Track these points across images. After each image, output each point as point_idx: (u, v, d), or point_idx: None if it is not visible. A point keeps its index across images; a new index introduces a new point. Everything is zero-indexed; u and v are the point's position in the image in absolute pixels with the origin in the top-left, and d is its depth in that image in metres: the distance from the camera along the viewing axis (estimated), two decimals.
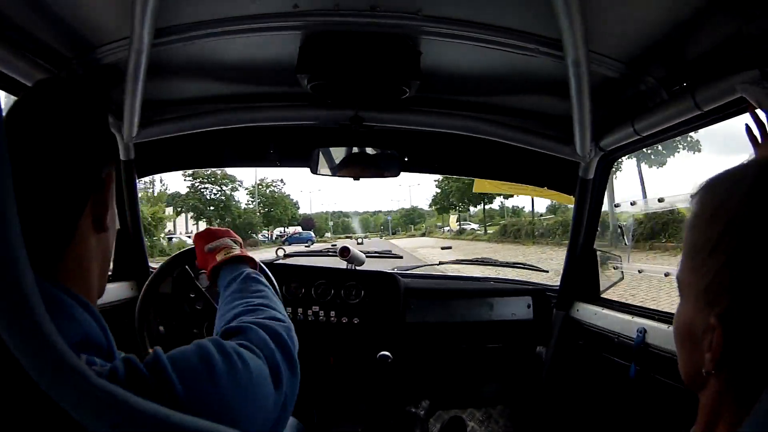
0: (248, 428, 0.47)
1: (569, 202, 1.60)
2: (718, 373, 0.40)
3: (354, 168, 1.56)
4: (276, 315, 0.65)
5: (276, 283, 1.36)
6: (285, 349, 0.58)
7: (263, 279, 0.78)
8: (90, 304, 0.47)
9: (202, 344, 0.49)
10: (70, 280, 0.47)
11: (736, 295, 0.39)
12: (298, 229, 33.82)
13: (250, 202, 33.60)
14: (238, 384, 0.47)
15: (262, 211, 33.32)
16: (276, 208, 33.94)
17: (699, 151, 18.29)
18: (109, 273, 1.49)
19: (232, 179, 29.57)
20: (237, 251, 0.89)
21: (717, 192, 0.44)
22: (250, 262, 0.87)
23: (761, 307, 0.38)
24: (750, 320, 0.38)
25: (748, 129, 0.77)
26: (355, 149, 1.53)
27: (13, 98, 1.04)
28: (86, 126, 0.51)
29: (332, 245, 1.89)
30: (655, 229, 11.62)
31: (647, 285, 7.18)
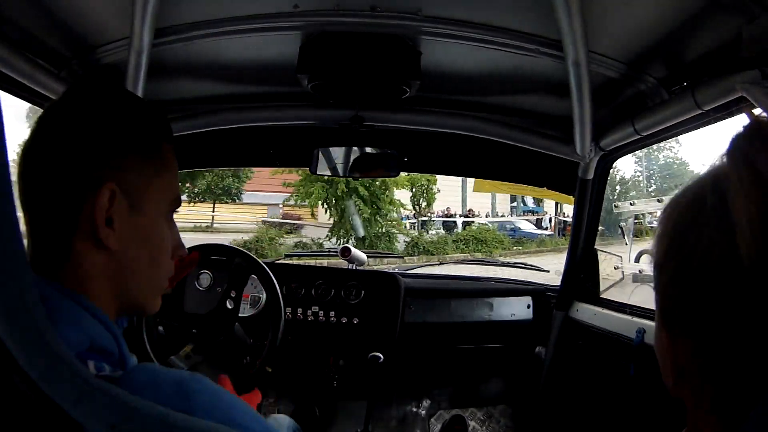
0: None
1: (569, 202, 1.60)
2: (682, 386, 0.40)
3: (354, 168, 1.56)
4: None
5: (276, 283, 1.36)
6: None
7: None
8: (98, 311, 0.45)
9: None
10: (74, 287, 0.45)
11: (683, 316, 0.38)
12: None
13: None
14: None
15: None
16: None
17: None
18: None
19: None
20: None
21: (668, 207, 0.43)
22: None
23: (705, 329, 0.37)
24: (698, 341, 0.37)
25: None
26: (356, 149, 1.53)
27: (13, 98, 1.04)
28: (74, 127, 0.47)
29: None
30: None
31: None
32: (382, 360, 1.56)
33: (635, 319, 1.23)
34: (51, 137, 0.47)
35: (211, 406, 0.40)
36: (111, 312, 0.48)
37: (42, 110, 0.50)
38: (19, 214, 0.36)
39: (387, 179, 8.57)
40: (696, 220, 0.38)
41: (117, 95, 0.51)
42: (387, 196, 10.23)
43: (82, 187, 0.45)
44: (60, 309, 0.43)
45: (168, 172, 0.53)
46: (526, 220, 17.51)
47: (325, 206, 10.20)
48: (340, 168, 1.55)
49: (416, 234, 12.60)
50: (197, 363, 1.31)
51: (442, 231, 14.37)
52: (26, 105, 1.08)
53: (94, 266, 0.46)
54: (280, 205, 14.57)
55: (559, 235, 15.47)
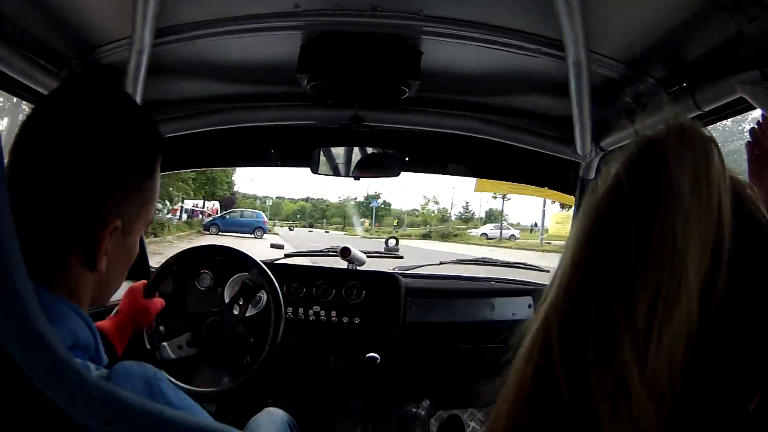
0: None
1: (569, 202, 1.60)
2: None
3: (354, 168, 1.56)
4: None
5: (276, 283, 1.36)
6: None
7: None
8: (82, 311, 0.47)
9: None
10: (63, 294, 0.46)
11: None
12: (217, 205, 25.17)
13: None
14: None
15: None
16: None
17: None
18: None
19: None
20: None
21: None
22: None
23: None
24: None
25: (749, 143, 0.77)
26: (356, 149, 1.53)
27: (13, 99, 1.04)
28: (78, 158, 0.46)
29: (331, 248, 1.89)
30: None
31: None
32: (379, 361, 1.55)
33: None
34: (54, 157, 0.45)
35: (178, 401, 0.43)
36: (85, 310, 0.50)
37: (35, 111, 0.48)
38: None
39: None
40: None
41: (122, 114, 0.50)
42: None
43: (88, 221, 0.46)
44: (46, 307, 0.43)
45: (156, 195, 0.55)
46: None
47: None
48: (340, 168, 1.55)
49: None
50: (188, 356, 1.31)
51: None
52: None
53: (82, 283, 0.48)
54: None
55: None
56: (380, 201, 40.08)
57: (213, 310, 1.37)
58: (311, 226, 37.83)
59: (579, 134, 1.21)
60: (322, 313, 1.60)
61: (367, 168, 1.57)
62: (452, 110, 1.37)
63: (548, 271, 2.10)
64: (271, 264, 1.65)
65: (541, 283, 1.84)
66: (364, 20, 0.97)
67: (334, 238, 24.35)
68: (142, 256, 1.58)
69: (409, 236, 26.56)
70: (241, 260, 1.39)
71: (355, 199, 41.88)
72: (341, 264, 1.73)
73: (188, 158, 1.64)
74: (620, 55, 1.01)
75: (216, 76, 1.27)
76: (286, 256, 1.86)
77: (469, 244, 22.87)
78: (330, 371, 1.64)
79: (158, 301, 1.10)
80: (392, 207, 43.39)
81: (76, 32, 0.97)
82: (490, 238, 25.43)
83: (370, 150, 1.54)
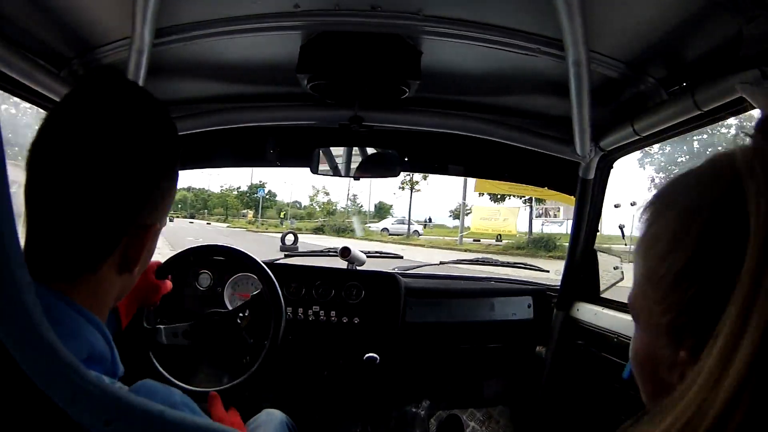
0: None
1: (569, 202, 1.60)
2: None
3: (354, 168, 1.56)
4: None
5: (276, 283, 1.36)
6: None
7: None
8: (100, 324, 0.47)
9: None
10: (83, 301, 0.46)
11: (709, 328, 0.33)
12: None
13: None
14: None
15: None
16: None
17: None
18: None
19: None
20: None
21: (679, 207, 0.37)
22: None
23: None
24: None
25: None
26: (355, 149, 1.53)
27: (12, 98, 1.04)
28: (139, 157, 0.47)
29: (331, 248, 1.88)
30: None
31: None
32: (378, 361, 1.55)
33: None
34: (95, 161, 0.45)
35: None
36: (105, 317, 0.50)
37: (62, 111, 0.47)
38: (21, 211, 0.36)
39: None
40: (729, 216, 0.33)
41: (154, 116, 0.50)
42: None
43: (130, 225, 0.47)
44: (62, 319, 0.43)
45: (175, 192, 0.55)
46: None
47: None
48: (339, 168, 1.55)
49: None
50: (180, 345, 1.31)
51: None
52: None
53: (112, 286, 0.49)
54: None
55: None
56: (266, 191, 36.32)
57: (213, 310, 1.37)
58: (192, 217, 34.28)
59: (578, 134, 1.21)
60: (322, 313, 1.60)
61: (366, 168, 1.57)
62: (452, 110, 1.37)
63: (548, 272, 2.10)
64: (270, 264, 1.65)
65: (541, 283, 1.84)
66: (363, 20, 0.97)
67: (218, 231, 22.98)
68: None
69: (299, 230, 23.22)
70: (241, 260, 1.39)
71: (239, 188, 37.75)
72: (341, 264, 1.73)
73: (188, 159, 1.64)
74: (620, 55, 1.01)
75: (216, 76, 1.27)
76: (286, 256, 1.86)
77: (371, 240, 20.08)
78: (329, 371, 1.64)
79: (168, 284, 1.10)
80: (277, 198, 39.26)
81: (76, 32, 0.97)
82: (393, 234, 23.12)
83: (369, 150, 1.54)
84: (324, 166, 1.54)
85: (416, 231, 24.10)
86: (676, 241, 0.36)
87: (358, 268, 1.72)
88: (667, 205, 0.38)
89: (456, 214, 27.30)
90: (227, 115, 1.37)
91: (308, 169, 1.52)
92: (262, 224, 30.05)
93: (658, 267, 0.37)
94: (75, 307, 0.45)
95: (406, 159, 1.57)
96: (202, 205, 39.57)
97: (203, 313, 1.36)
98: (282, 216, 33.68)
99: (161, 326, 1.30)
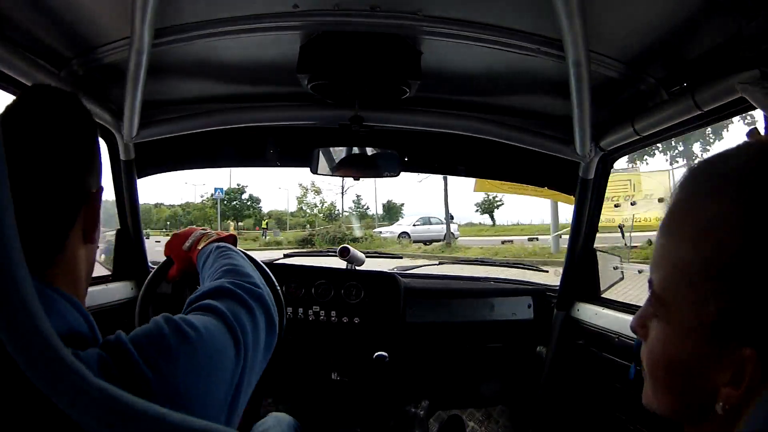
0: (211, 394, 0.49)
1: (569, 202, 1.60)
2: (737, 407, 0.33)
3: (354, 168, 1.56)
4: (239, 270, 0.70)
5: (276, 283, 1.36)
6: (245, 301, 0.61)
7: (233, 247, 0.84)
8: (77, 302, 0.50)
9: (155, 321, 0.51)
10: (59, 282, 0.49)
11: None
12: None
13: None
14: (194, 351, 0.49)
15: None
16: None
17: None
18: (109, 273, 1.50)
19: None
20: (215, 234, 0.94)
21: (732, 189, 0.33)
22: (231, 240, 0.92)
23: None
24: None
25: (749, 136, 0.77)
26: (355, 149, 1.53)
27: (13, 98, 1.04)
28: (74, 138, 0.52)
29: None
30: None
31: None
32: (388, 359, 1.55)
33: None
34: (48, 150, 0.50)
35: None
36: (83, 296, 0.56)
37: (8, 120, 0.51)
38: None
39: None
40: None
41: (82, 110, 0.56)
42: None
43: (85, 194, 0.53)
44: (44, 302, 0.44)
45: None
46: None
47: None
48: (340, 168, 1.55)
49: None
50: None
51: None
52: None
53: (80, 260, 0.53)
54: None
55: None
56: (246, 196, 29.17)
57: None
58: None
59: (579, 134, 1.21)
60: (322, 313, 1.60)
61: (366, 168, 1.57)
62: (452, 110, 1.37)
63: (547, 272, 2.10)
64: (270, 264, 1.65)
65: (541, 283, 1.84)
66: (363, 20, 0.97)
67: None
68: (141, 256, 1.58)
69: (279, 244, 17.93)
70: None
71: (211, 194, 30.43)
72: (340, 264, 1.73)
73: (188, 158, 1.64)
74: (620, 55, 1.01)
75: (216, 76, 1.27)
76: (285, 256, 1.86)
77: (387, 252, 8.42)
78: (330, 371, 1.64)
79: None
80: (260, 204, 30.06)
81: (75, 32, 0.97)
82: (419, 240, 16.53)
83: (369, 150, 1.54)
84: (324, 166, 1.53)
85: (451, 233, 16.87)
86: (721, 225, 0.32)
87: (357, 268, 1.72)
88: (713, 187, 0.34)
89: (486, 208, 23.25)
90: (227, 115, 1.37)
91: (308, 169, 1.52)
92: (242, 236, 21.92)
93: (695, 254, 0.33)
94: (53, 289, 0.48)
95: (406, 159, 1.57)
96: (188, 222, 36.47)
97: None
98: (264, 226, 25.99)
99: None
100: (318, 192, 26.70)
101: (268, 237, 21.56)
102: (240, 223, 28.25)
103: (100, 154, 0.58)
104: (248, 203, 29.93)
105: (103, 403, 0.34)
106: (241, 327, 0.56)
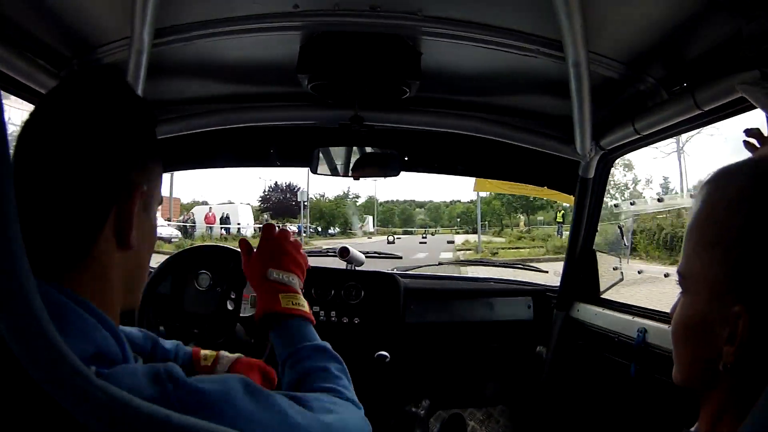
0: None
1: (569, 202, 1.60)
2: (734, 369, 0.39)
3: (354, 168, 1.55)
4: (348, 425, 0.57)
5: None
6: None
7: (346, 371, 0.68)
8: (107, 319, 0.44)
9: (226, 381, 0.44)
10: (88, 293, 0.44)
11: (763, 282, 0.38)
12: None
13: None
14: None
15: None
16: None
17: None
18: None
19: None
20: (305, 306, 0.76)
21: (736, 180, 0.42)
22: (310, 318, 0.76)
23: None
24: None
25: (747, 137, 0.77)
26: (356, 149, 1.53)
27: (12, 98, 1.04)
28: (108, 125, 0.47)
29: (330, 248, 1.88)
30: None
31: None
32: (389, 359, 1.55)
33: (636, 318, 1.23)
34: (74, 140, 0.45)
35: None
36: (117, 311, 0.49)
37: (42, 106, 0.48)
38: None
39: None
40: None
41: (129, 94, 0.51)
42: None
43: (118, 190, 0.46)
44: (67, 317, 0.42)
45: (161, 169, 0.56)
46: None
47: None
48: (340, 168, 1.55)
49: None
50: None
51: None
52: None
53: (113, 264, 0.47)
54: None
55: None
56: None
57: (213, 310, 1.37)
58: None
59: (579, 134, 1.21)
60: (322, 313, 1.60)
61: (366, 168, 1.57)
62: (452, 110, 1.37)
63: (547, 272, 2.10)
64: None
65: (541, 283, 1.85)
66: (363, 20, 0.97)
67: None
68: None
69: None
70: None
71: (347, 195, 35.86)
72: (340, 264, 1.73)
73: (188, 158, 1.64)
74: (620, 55, 1.01)
75: (216, 76, 1.27)
76: None
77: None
78: None
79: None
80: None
81: (75, 32, 0.97)
82: None
83: (370, 150, 1.54)
84: (324, 166, 1.53)
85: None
86: (734, 206, 0.41)
87: (357, 268, 1.72)
88: (726, 178, 0.43)
89: None
90: (227, 115, 1.37)
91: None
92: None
93: (716, 231, 0.42)
94: (76, 299, 0.43)
95: (406, 159, 1.57)
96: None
97: (203, 313, 1.36)
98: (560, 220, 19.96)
99: (171, 334, 1.28)
100: None
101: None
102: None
103: (152, 148, 0.52)
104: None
105: (107, 403, 0.34)
106: None
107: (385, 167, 1.54)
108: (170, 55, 1.08)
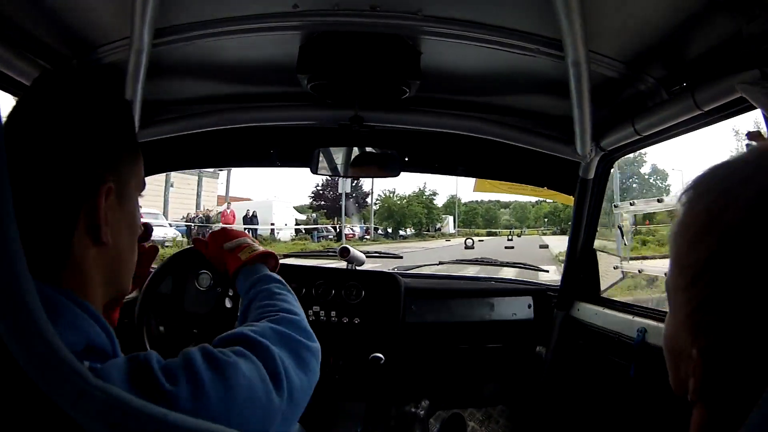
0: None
1: (569, 202, 1.61)
2: (700, 403, 0.36)
3: (354, 168, 1.56)
4: (300, 325, 0.66)
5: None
6: (292, 350, 0.58)
7: (289, 289, 0.77)
8: (93, 310, 0.45)
9: (187, 353, 0.48)
10: (73, 286, 0.45)
11: (721, 331, 0.33)
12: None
13: None
14: (229, 389, 0.46)
15: None
16: None
17: None
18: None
19: None
20: (260, 249, 0.86)
21: (710, 198, 0.36)
22: (273, 259, 0.86)
23: (747, 345, 0.32)
24: (733, 358, 0.33)
25: (749, 137, 0.77)
26: (356, 149, 1.53)
27: (12, 98, 1.04)
28: (68, 124, 0.47)
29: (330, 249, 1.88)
30: None
31: None
32: (383, 361, 1.55)
33: (636, 318, 1.23)
34: (42, 138, 0.46)
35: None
36: (100, 304, 0.50)
37: (16, 105, 0.48)
38: None
39: None
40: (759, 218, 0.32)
41: (95, 86, 0.51)
42: None
43: (83, 189, 0.46)
44: (57, 310, 0.43)
45: (140, 156, 0.55)
46: None
47: None
48: (340, 168, 1.55)
49: None
50: (182, 346, 1.30)
51: None
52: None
53: (91, 262, 0.47)
54: None
55: None
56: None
57: (213, 310, 1.37)
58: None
59: (579, 134, 1.21)
60: (322, 313, 1.60)
61: (366, 168, 1.57)
62: (452, 110, 1.37)
63: (548, 272, 2.10)
64: None
65: (541, 283, 1.85)
66: (363, 20, 0.97)
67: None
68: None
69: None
70: None
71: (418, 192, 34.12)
72: (340, 264, 1.73)
73: (189, 158, 1.64)
74: (620, 55, 1.01)
75: (216, 76, 1.27)
76: (285, 256, 1.86)
77: None
78: (330, 371, 1.64)
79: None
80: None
81: (75, 32, 0.97)
82: None
83: (369, 150, 1.54)
84: (324, 166, 1.54)
85: None
86: (703, 232, 0.35)
87: (357, 268, 1.72)
88: (701, 194, 0.37)
89: None
90: (227, 115, 1.37)
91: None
92: None
93: (686, 254, 0.36)
94: (71, 297, 0.44)
95: (406, 159, 1.57)
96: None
97: (203, 313, 1.36)
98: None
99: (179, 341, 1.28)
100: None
101: None
102: None
103: (120, 141, 0.51)
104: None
105: (105, 403, 0.34)
106: (289, 379, 0.54)
107: (385, 167, 1.54)
108: (170, 55, 1.08)
